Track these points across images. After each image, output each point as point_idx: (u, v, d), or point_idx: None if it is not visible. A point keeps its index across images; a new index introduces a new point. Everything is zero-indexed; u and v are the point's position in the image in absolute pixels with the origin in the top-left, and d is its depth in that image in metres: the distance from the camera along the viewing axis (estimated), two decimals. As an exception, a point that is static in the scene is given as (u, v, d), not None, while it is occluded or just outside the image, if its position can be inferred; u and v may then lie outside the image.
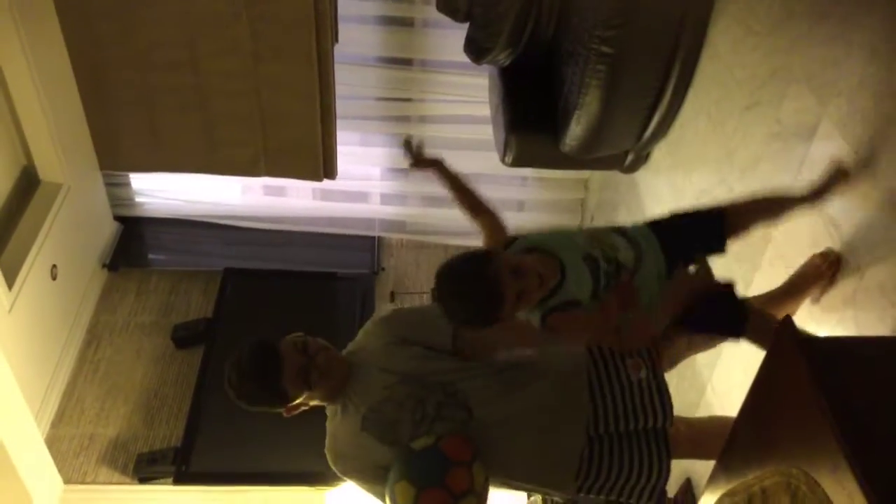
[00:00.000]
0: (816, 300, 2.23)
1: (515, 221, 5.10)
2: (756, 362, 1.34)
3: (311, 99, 3.83)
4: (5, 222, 3.50)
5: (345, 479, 2.02)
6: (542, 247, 1.84)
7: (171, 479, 3.41)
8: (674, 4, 2.84)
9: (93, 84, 3.84)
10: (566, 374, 2.01)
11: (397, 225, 4.69)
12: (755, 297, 2.31)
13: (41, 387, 3.58)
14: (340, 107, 3.99)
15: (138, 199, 4.54)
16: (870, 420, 1.13)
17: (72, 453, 3.54)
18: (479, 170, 4.35)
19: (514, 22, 3.22)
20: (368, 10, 4.02)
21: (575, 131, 3.13)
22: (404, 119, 4.39)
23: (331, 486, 3.31)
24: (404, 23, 4.02)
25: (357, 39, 4.02)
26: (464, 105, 4.25)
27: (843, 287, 2.12)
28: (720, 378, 2.81)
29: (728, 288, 2.05)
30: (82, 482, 3.45)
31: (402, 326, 2.06)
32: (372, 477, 1.92)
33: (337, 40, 3.78)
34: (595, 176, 4.42)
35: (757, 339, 2.01)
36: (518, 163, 3.49)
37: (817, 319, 2.22)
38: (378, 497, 1.97)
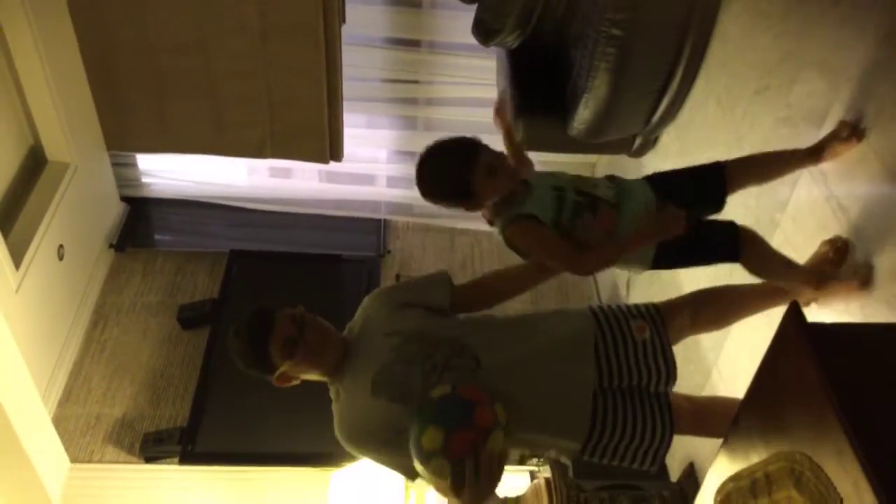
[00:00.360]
0: (815, 299, 2.22)
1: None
2: (762, 347, 1.34)
3: (317, 80, 3.82)
4: (12, 202, 3.51)
5: (360, 455, 2.01)
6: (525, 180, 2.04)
7: (176, 459, 3.43)
8: (684, -13, 2.82)
9: (100, 64, 3.83)
10: (571, 331, 2.04)
11: (403, 208, 4.69)
12: (766, 292, 2.30)
13: (48, 366, 3.60)
14: (347, 88, 3.98)
15: (145, 180, 4.55)
16: (875, 405, 1.13)
17: (78, 432, 3.57)
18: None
19: (523, 4, 3.20)
20: (376, -9, 4.00)
21: (583, 115, 3.11)
22: (411, 101, 4.38)
23: (336, 466, 3.32)
24: (412, 3, 4.00)
25: (364, 20, 4.00)
26: (471, 88, 4.24)
27: (851, 272, 2.10)
28: (726, 362, 2.81)
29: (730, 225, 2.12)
30: (89, 461, 3.48)
31: (399, 292, 2.11)
32: (387, 443, 1.90)
33: (344, 21, 3.76)
34: (602, 160, 4.40)
35: (753, 266, 2.11)
36: (525, 146, 3.48)
37: (823, 305, 2.21)
38: (395, 467, 1.97)
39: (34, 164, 3.69)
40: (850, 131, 2.07)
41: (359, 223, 4.63)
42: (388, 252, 4.49)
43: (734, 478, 1.44)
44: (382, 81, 4.32)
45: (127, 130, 4.10)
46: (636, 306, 2.15)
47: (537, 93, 3.40)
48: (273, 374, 1.91)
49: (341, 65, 3.83)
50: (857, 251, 2.08)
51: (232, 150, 4.22)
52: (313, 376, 1.99)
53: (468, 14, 3.46)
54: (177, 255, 4.38)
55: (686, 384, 2.51)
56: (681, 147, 3.26)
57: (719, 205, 2.15)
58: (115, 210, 4.39)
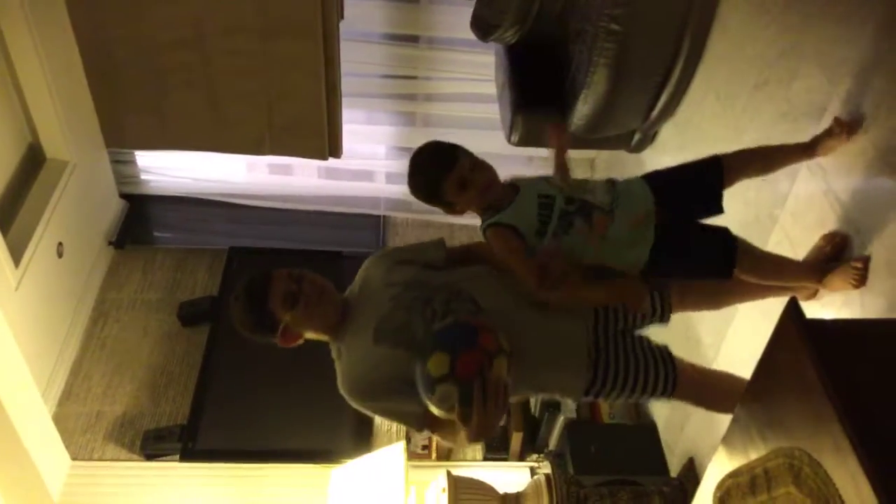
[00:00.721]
0: (813, 294, 2.22)
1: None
2: (761, 343, 1.34)
3: (316, 76, 3.81)
4: (11, 200, 3.50)
5: (365, 409, 2.01)
6: (517, 185, 2.06)
7: (177, 456, 3.43)
8: (683, -19, 2.81)
9: (98, 61, 3.82)
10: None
11: (403, 204, 4.68)
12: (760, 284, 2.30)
13: (48, 364, 3.60)
14: (346, 84, 3.97)
15: (144, 177, 4.54)
16: (873, 401, 1.13)
17: (79, 430, 3.57)
18: (485, 149, 4.27)
19: (521, -1, 3.19)
20: (374, -13, 3.99)
21: (582, 110, 3.11)
22: (410, 97, 4.37)
23: (336, 463, 3.33)
24: (410, -1, 4.00)
25: (363, 16, 3.99)
26: (470, 83, 4.23)
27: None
28: (725, 358, 2.81)
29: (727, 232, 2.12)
30: (89, 459, 3.48)
31: (398, 252, 2.19)
32: (392, 392, 1.90)
33: (342, 17, 3.75)
34: (602, 155, 4.40)
35: (746, 275, 2.12)
36: (524, 142, 3.48)
37: (822, 301, 2.21)
38: (401, 417, 1.99)
39: (33, 162, 3.68)
40: (844, 127, 2.07)
41: (358, 219, 4.63)
42: (388, 248, 4.50)
43: (733, 474, 1.44)
44: (381, 77, 4.31)
45: (125, 127, 4.09)
46: None
47: (536, 88, 3.40)
48: (276, 332, 1.94)
49: (340, 61, 3.83)
50: (856, 245, 2.08)
51: (231, 147, 4.21)
52: (315, 334, 2.02)
53: (467, 9, 3.45)
54: (176, 251, 4.37)
55: (685, 379, 2.49)
56: (680, 142, 3.26)
57: (718, 209, 2.15)
58: (114, 207, 4.39)
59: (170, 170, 4.53)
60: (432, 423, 1.90)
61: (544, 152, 4.28)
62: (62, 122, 3.64)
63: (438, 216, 4.62)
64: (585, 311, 2.05)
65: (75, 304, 3.89)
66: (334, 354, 2.05)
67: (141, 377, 3.78)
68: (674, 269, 2.13)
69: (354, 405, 1.99)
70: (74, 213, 3.79)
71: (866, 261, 2.02)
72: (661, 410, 3.45)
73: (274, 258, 4.31)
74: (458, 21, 3.78)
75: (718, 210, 2.14)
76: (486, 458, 3.60)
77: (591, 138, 3.32)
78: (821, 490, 1.13)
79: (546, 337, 1.98)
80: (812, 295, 2.23)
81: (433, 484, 3.04)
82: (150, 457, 3.48)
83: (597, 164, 4.49)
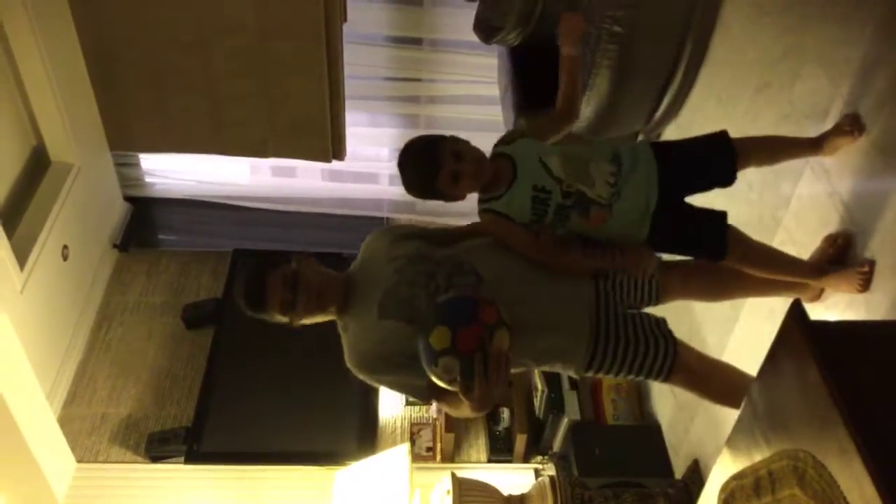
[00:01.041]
0: (817, 296, 2.22)
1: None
2: (765, 344, 1.34)
3: (319, 79, 3.82)
4: (16, 203, 3.52)
5: (372, 381, 2.05)
6: (512, 157, 2.06)
7: (182, 459, 3.44)
8: (686, -17, 2.81)
9: (102, 64, 3.83)
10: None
11: (406, 205, 4.68)
12: (763, 282, 2.30)
13: (53, 367, 3.61)
14: (349, 87, 3.98)
15: (148, 180, 4.55)
16: (877, 403, 1.13)
17: (84, 433, 3.58)
18: (488, 150, 4.33)
19: (524, 1, 3.19)
20: (377, -10, 4.00)
21: (584, 112, 3.11)
22: (413, 99, 4.37)
23: (340, 465, 3.33)
24: (414, 1, 3.99)
25: (366, 18, 3.99)
26: (473, 85, 4.23)
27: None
28: (729, 359, 2.79)
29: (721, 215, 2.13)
30: (94, 461, 3.49)
31: (399, 227, 2.22)
32: (398, 367, 1.94)
33: (346, 19, 3.76)
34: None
35: (737, 265, 2.14)
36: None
37: (826, 303, 2.21)
38: (407, 390, 2.05)
39: (38, 165, 3.69)
40: (853, 124, 2.07)
41: (362, 221, 4.63)
42: (391, 250, 4.49)
43: (738, 476, 1.44)
44: (384, 80, 4.31)
45: (129, 130, 4.10)
46: None
47: (539, 90, 3.39)
48: (283, 324, 2.01)
49: (343, 63, 3.83)
50: (860, 247, 2.08)
51: (235, 149, 4.22)
52: (321, 319, 2.05)
53: (470, 12, 3.45)
54: (181, 254, 4.38)
55: (689, 381, 2.49)
56: (683, 144, 3.26)
57: (729, 180, 2.15)
58: (118, 210, 4.40)
59: (174, 172, 4.54)
60: (437, 395, 1.93)
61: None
62: (66, 125, 3.65)
63: (442, 218, 4.62)
64: (587, 286, 2.06)
65: (80, 306, 3.90)
66: (340, 328, 2.08)
67: (145, 380, 3.79)
68: (667, 248, 2.16)
69: (361, 377, 2.03)
70: (79, 216, 3.80)
71: (872, 265, 2.02)
72: (666, 412, 3.45)
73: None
74: (461, 23, 3.78)
75: (729, 182, 2.15)
76: (490, 460, 3.60)
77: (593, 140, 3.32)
78: (825, 492, 1.13)
79: (548, 305, 2.01)
80: (816, 297, 2.23)
81: (437, 486, 3.04)
82: (154, 459, 3.49)
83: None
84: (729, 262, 2.13)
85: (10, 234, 3.26)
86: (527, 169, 2.05)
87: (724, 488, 1.49)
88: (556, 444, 3.51)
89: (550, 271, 2.05)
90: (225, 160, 4.39)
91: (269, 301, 1.96)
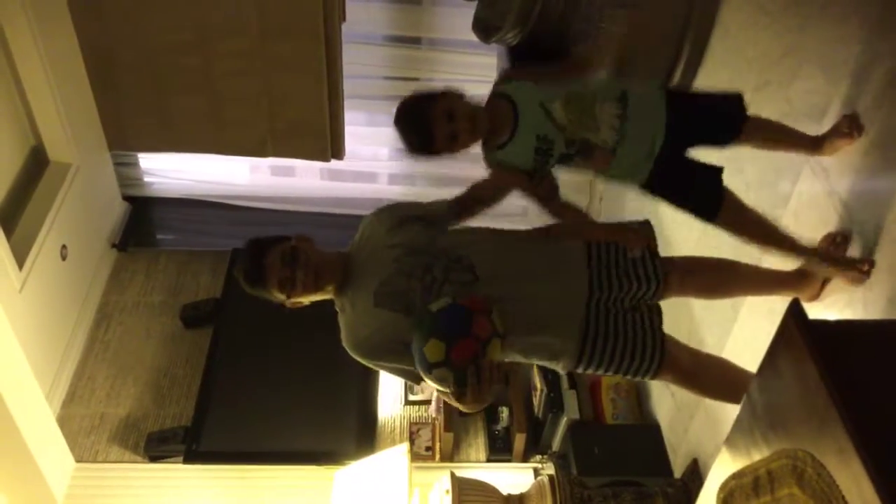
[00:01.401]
0: (816, 296, 2.22)
1: (523, 201, 5.07)
2: (764, 344, 1.34)
3: (318, 78, 3.82)
4: (15, 203, 3.52)
5: (366, 363, 2.08)
6: (513, 99, 2.05)
7: (181, 458, 3.44)
8: (684, -18, 2.81)
9: (100, 64, 3.83)
10: (565, 245, 2.13)
11: (405, 205, 4.68)
12: (762, 280, 2.31)
13: (52, 366, 3.61)
14: (348, 86, 3.98)
15: (147, 179, 4.55)
16: (876, 403, 1.13)
17: (83, 432, 3.58)
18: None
19: (523, 1, 3.19)
20: (376, -11, 4.00)
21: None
22: (412, 99, 4.37)
23: (340, 465, 3.33)
24: (412, 1, 3.99)
25: (365, 18, 3.99)
26: (472, 85, 4.22)
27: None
28: (728, 358, 2.81)
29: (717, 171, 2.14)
30: (93, 461, 3.49)
31: (398, 208, 2.21)
32: (391, 353, 1.99)
33: (344, 19, 3.76)
34: (604, 156, 4.39)
35: (729, 228, 2.14)
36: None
37: (825, 302, 2.21)
38: (400, 374, 2.06)
39: (36, 165, 3.69)
40: (851, 126, 2.07)
41: (361, 221, 4.62)
42: (391, 249, 4.49)
43: (737, 475, 1.44)
44: (383, 79, 4.31)
45: (128, 130, 4.10)
46: (631, 224, 2.23)
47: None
48: (282, 304, 2.03)
49: (342, 63, 3.83)
50: (859, 246, 2.08)
51: (233, 149, 4.22)
52: (318, 297, 2.07)
53: (468, 11, 3.45)
54: (179, 254, 4.38)
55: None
56: (682, 143, 3.26)
57: (727, 142, 2.18)
58: (117, 210, 4.40)
59: (173, 172, 4.54)
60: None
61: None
62: (65, 124, 3.65)
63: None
64: (581, 283, 2.06)
65: (79, 306, 3.90)
66: (338, 308, 2.10)
67: (144, 379, 3.79)
68: (661, 193, 2.16)
69: (356, 358, 2.06)
70: (78, 215, 3.80)
71: (872, 264, 2.02)
72: (665, 411, 3.45)
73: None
74: (459, 23, 3.78)
75: (728, 142, 2.17)
76: (489, 460, 3.60)
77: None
78: (824, 492, 1.13)
79: (541, 305, 2.03)
80: (815, 296, 2.23)
81: (437, 485, 3.04)
82: (153, 459, 3.49)
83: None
84: (721, 224, 2.14)
85: (8, 233, 3.26)
86: (528, 116, 2.04)
87: (723, 487, 1.49)
88: (556, 444, 3.51)
89: (546, 269, 2.06)
90: (224, 160, 4.39)
91: (268, 277, 1.98)
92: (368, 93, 4.36)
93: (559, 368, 2.13)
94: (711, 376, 2.23)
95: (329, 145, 4.10)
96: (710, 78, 2.96)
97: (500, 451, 3.59)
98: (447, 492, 2.92)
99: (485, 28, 3.37)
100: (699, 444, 3.05)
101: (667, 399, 3.39)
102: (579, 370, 2.09)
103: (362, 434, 3.56)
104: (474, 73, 4.14)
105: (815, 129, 2.23)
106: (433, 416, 3.67)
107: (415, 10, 4.01)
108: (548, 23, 3.29)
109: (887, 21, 2.00)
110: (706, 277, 2.31)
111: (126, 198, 4.47)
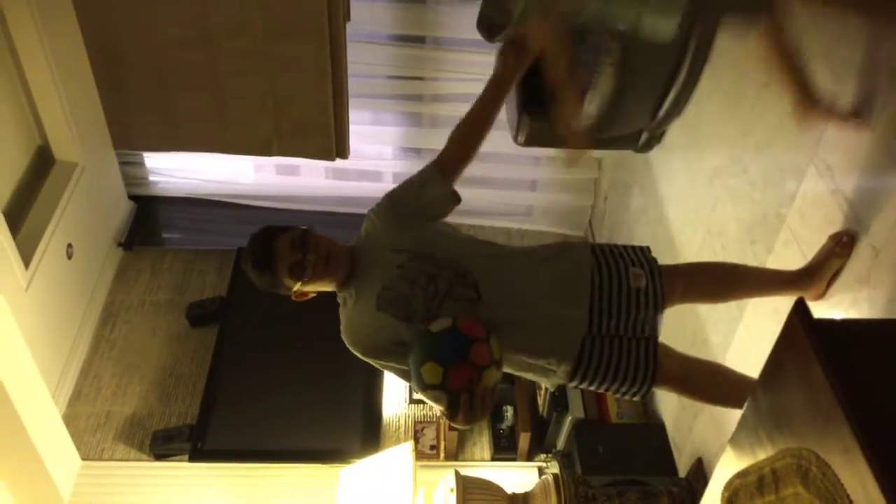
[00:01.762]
0: (821, 295, 2.22)
1: (528, 201, 5.06)
2: (769, 343, 1.34)
3: (323, 78, 3.82)
4: (21, 202, 3.53)
5: (365, 359, 2.09)
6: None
7: (186, 457, 3.45)
8: (690, -20, 2.80)
9: (106, 64, 3.84)
10: (570, 267, 2.12)
11: (409, 204, 4.68)
12: (766, 282, 2.31)
13: (58, 365, 3.62)
14: (352, 85, 3.98)
15: (152, 179, 4.56)
16: (882, 402, 1.13)
17: (89, 431, 3.59)
18: (492, 149, 4.32)
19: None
20: (380, -12, 4.00)
21: (588, 111, 3.10)
22: (417, 98, 4.37)
23: (345, 463, 3.34)
24: (416, 0, 3.99)
25: (369, 17, 3.99)
26: (477, 83, 4.17)
27: (857, 266, 2.10)
28: (733, 358, 2.80)
29: None
30: (99, 459, 3.50)
31: (399, 202, 2.22)
32: (390, 354, 2.01)
33: (349, 18, 3.76)
34: (608, 155, 4.39)
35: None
36: (531, 142, 3.47)
37: (830, 301, 2.21)
38: (397, 374, 2.08)
39: (42, 164, 3.71)
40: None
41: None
42: (395, 248, 4.49)
43: (741, 474, 1.44)
44: (388, 78, 4.31)
45: (133, 129, 4.11)
46: (636, 252, 2.21)
47: (542, 88, 3.39)
48: (288, 293, 2.02)
49: (346, 62, 3.83)
50: (865, 245, 2.07)
51: (239, 148, 4.22)
52: (325, 288, 2.07)
53: (472, 10, 3.43)
54: (185, 252, 4.39)
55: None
56: (687, 142, 3.26)
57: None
58: (123, 209, 4.41)
59: (178, 171, 4.55)
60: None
61: (551, 152, 4.29)
62: (71, 124, 3.66)
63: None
64: (582, 311, 2.07)
65: (85, 305, 3.91)
66: (340, 301, 2.11)
67: (150, 378, 3.80)
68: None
69: (354, 352, 2.08)
70: (83, 214, 3.81)
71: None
72: (670, 410, 3.44)
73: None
74: (463, 21, 3.78)
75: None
76: (494, 458, 3.61)
77: (597, 138, 3.31)
78: (829, 491, 1.13)
79: (540, 332, 2.04)
80: (820, 295, 2.23)
81: (441, 484, 3.04)
82: (159, 457, 3.50)
83: (604, 164, 4.49)
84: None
85: (14, 232, 3.27)
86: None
87: (727, 486, 1.49)
88: (560, 443, 3.51)
89: (549, 296, 2.07)
90: (229, 159, 4.40)
91: (278, 263, 1.96)
92: (373, 92, 4.36)
93: (549, 386, 2.17)
94: (703, 384, 2.27)
95: (334, 144, 4.10)
96: (716, 74, 2.95)
97: (504, 449, 3.60)
98: (452, 490, 2.92)
99: (489, 26, 3.36)
100: (704, 444, 3.04)
101: (671, 398, 3.39)
102: (571, 387, 2.16)
103: (367, 432, 3.56)
104: (478, 71, 4.14)
105: (820, 127, 2.23)
106: (438, 414, 3.67)
107: (419, 9, 4.01)
108: (552, 21, 3.29)
109: (893, 19, 1.99)
110: (710, 283, 2.32)
111: (132, 197, 4.48)
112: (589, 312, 2.07)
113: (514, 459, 3.58)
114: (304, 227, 2.04)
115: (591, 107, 3.07)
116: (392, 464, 3.20)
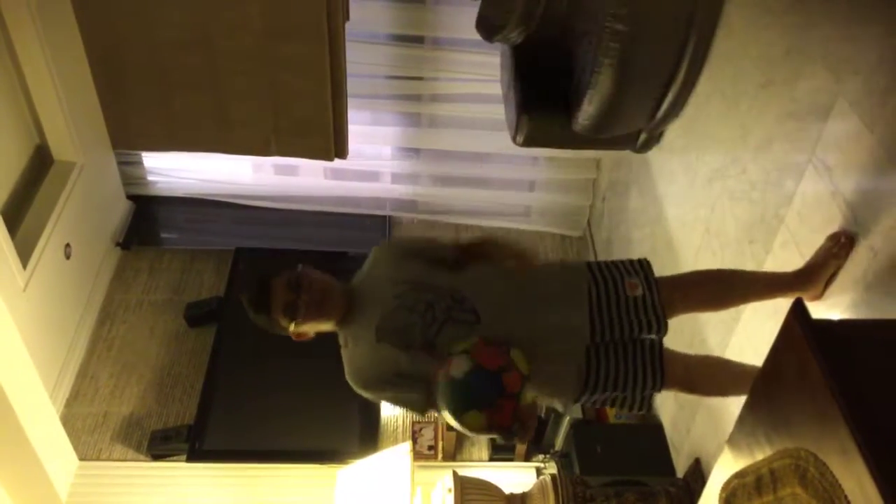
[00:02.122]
0: (819, 295, 2.22)
1: (526, 201, 5.07)
2: (767, 344, 1.34)
3: (322, 77, 3.82)
4: (19, 201, 3.52)
5: (371, 397, 2.13)
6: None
7: (184, 457, 3.44)
8: (688, -19, 2.80)
9: (104, 63, 3.84)
10: (567, 283, 2.16)
11: (408, 204, 4.69)
12: (765, 285, 2.31)
13: (56, 365, 3.61)
14: (351, 85, 3.97)
15: (150, 178, 4.56)
16: (879, 403, 1.13)
17: (86, 431, 3.59)
18: (491, 149, 4.33)
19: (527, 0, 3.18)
20: (379, -12, 3.99)
21: (587, 111, 3.10)
22: (416, 98, 4.37)
23: (343, 463, 3.34)
24: (416, 0, 3.99)
25: (368, 17, 3.99)
26: (475, 84, 4.23)
27: (855, 267, 2.10)
28: (731, 358, 2.80)
29: None
30: (97, 459, 3.50)
31: (404, 243, 2.29)
32: (395, 385, 2.04)
33: (348, 18, 3.76)
34: (607, 156, 4.39)
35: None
36: (529, 142, 3.46)
37: (828, 301, 2.21)
38: (403, 404, 2.12)
39: (40, 164, 3.70)
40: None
41: (364, 220, 4.64)
42: (394, 248, 4.49)
43: (739, 474, 1.44)
44: (387, 78, 4.31)
45: (132, 129, 4.11)
46: (632, 263, 2.23)
47: (541, 88, 3.39)
48: (287, 333, 2.05)
49: (345, 62, 3.83)
50: (863, 246, 2.07)
51: (237, 148, 4.22)
52: (324, 328, 2.10)
53: (472, 10, 3.44)
54: (183, 252, 4.39)
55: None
56: (686, 142, 3.26)
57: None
58: (121, 208, 4.40)
59: (176, 171, 4.55)
60: (433, 407, 1.99)
61: (550, 152, 4.30)
62: (69, 123, 3.65)
63: (444, 217, 4.62)
64: (582, 329, 2.08)
65: (83, 305, 3.90)
66: (341, 342, 2.13)
67: (148, 378, 3.80)
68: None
69: (359, 392, 2.10)
70: (82, 214, 3.80)
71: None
72: (668, 411, 3.44)
73: (280, 259, 4.31)
74: (463, 21, 3.78)
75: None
76: (492, 459, 3.60)
77: (596, 138, 3.31)
78: (827, 491, 1.13)
79: (543, 338, 2.05)
80: (818, 296, 2.23)
81: (439, 484, 3.04)
82: (156, 457, 3.50)
83: (602, 165, 4.49)
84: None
85: (13, 232, 3.26)
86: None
87: (725, 487, 1.49)
88: (558, 443, 3.51)
89: (548, 315, 2.09)
90: (227, 159, 4.40)
91: (273, 303, 2.00)
92: (372, 92, 4.36)
93: (559, 408, 2.18)
94: (706, 380, 2.30)
95: (333, 144, 4.10)
96: (715, 75, 2.95)
97: (502, 450, 3.59)
98: (449, 491, 2.92)
99: (488, 27, 3.37)
100: (702, 444, 3.04)
101: (669, 398, 3.39)
102: (578, 404, 2.18)
103: (365, 433, 3.56)
104: (477, 72, 4.14)
105: (819, 127, 2.23)
106: (435, 415, 3.66)
107: (418, 9, 4.01)
108: (552, 21, 3.29)
109: (893, 19, 1.99)
110: (709, 290, 2.34)
111: (130, 196, 4.48)
112: (590, 324, 2.08)
113: (512, 460, 3.58)
114: (300, 270, 2.06)
115: (591, 107, 3.08)
116: (390, 464, 3.20)
